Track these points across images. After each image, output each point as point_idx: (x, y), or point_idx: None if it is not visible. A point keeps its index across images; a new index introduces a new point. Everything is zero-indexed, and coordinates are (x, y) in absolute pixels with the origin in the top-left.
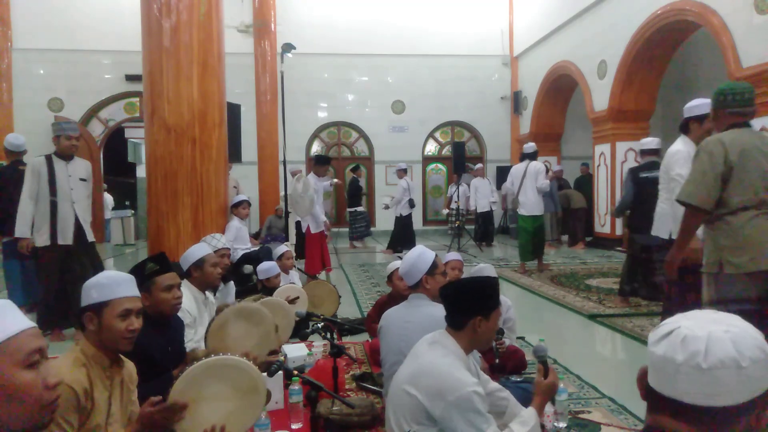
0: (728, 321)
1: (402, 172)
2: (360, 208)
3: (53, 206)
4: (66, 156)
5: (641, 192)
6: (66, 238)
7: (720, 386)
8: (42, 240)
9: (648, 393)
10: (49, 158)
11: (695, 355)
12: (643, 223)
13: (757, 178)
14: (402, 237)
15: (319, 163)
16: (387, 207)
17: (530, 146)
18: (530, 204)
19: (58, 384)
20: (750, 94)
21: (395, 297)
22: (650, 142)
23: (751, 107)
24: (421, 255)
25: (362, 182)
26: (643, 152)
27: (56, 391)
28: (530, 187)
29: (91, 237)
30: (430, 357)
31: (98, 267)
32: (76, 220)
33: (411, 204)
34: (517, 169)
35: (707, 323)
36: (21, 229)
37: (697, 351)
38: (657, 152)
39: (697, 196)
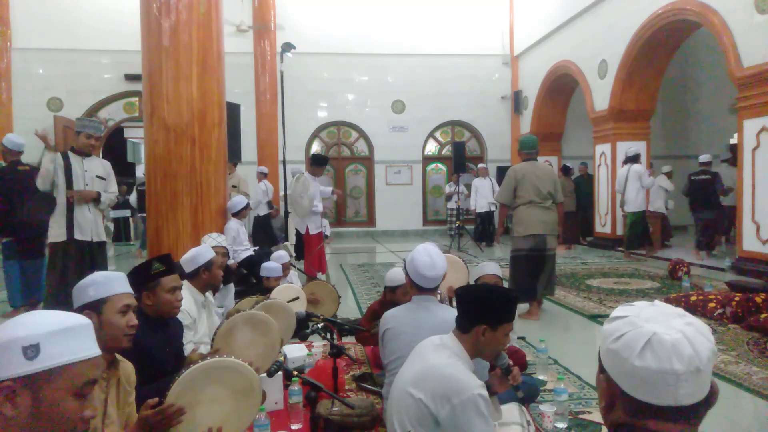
0: (674, 311)
1: (261, 175)
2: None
3: (69, 198)
4: (82, 153)
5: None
6: (84, 233)
7: (707, 378)
8: (57, 235)
9: (629, 403)
10: (65, 154)
11: (692, 359)
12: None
13: (530, 188)
14: (262, 236)
15: (316, 164)
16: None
17: (632, 150)
18: (630, 201)
19: (93, 417)
20: (533, 143)
21: (386, 304)
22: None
23: (534, 150)
24: (441, 256)
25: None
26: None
27: (87, 424)
28: (632, 186)
29: (102, 237)
30: (435, 360)
31: (100, 268)
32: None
33: (269, 206)
34: (622, 172)
35: (667, 320)
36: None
37: (691, 355)
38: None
39: (502, 198)
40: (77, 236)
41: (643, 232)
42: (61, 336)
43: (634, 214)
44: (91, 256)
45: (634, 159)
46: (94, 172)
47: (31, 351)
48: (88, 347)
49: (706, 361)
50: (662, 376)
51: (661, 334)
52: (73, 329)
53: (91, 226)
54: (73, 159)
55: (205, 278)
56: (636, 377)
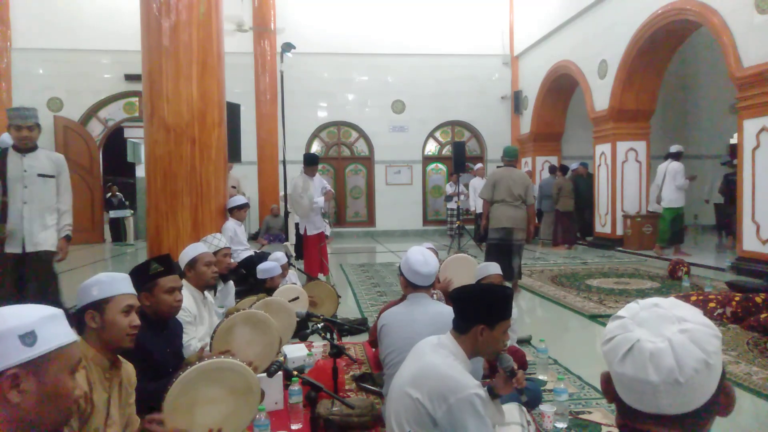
0: (675, 314)
1: None
2: None
3: (3, 207)
4: (22, 149)
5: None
6: (13, 245)
7: (699, 389)
8: None
9: (621, 404)
10: (3, 152)
11: (671, 371)
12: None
13: (504, 190)
14: None
15: (308, 163)
16: None
17: (674, 147)
18: (668, 198)
19: (81, 396)
20: (513, 153)
21: None
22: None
23: (512, 158)
24: (433, 256)
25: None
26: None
27: (77, 402)
28: (668, 183)
29: (44, 245)
30: (432, 359)
31: (44, 282)
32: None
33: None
34: (661, 168)
35: (659, 325)
36: None
37: (671, 367)
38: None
39: (483, 195)
40: (6, 249)
41: (680, 230)
42: (50, 321)
43: (675, 210)
44: (22, 268)
45: (676, 156)
46: (36, 170)
47: (29, 338)
48: (71, 331)
49: (692, 373)
50: (639, 384)
51: (644, 342)
52: (56, 316)
53: (21, 235)
54: (12, 157)
55: (191, 277)
56: (619, 382)
